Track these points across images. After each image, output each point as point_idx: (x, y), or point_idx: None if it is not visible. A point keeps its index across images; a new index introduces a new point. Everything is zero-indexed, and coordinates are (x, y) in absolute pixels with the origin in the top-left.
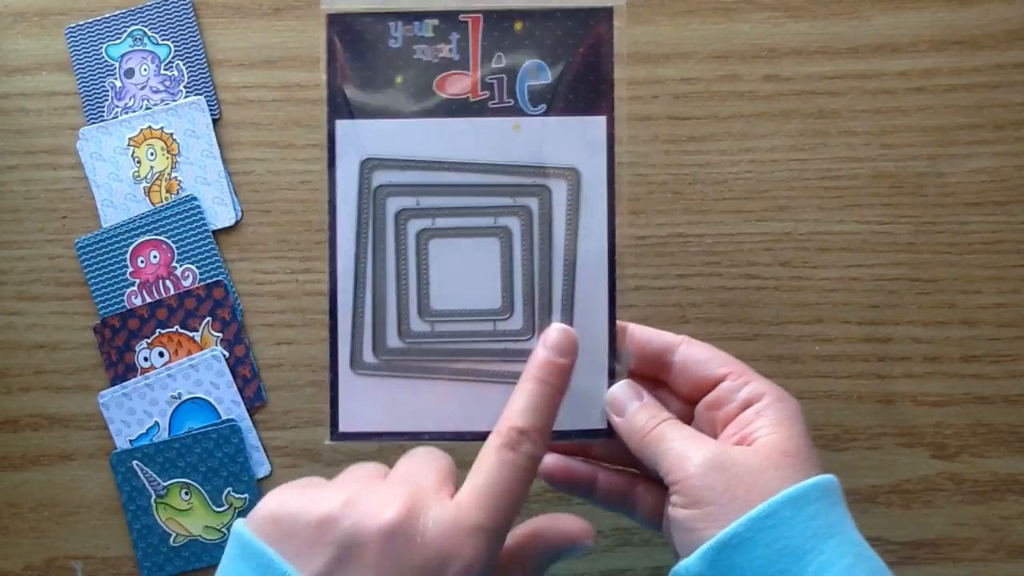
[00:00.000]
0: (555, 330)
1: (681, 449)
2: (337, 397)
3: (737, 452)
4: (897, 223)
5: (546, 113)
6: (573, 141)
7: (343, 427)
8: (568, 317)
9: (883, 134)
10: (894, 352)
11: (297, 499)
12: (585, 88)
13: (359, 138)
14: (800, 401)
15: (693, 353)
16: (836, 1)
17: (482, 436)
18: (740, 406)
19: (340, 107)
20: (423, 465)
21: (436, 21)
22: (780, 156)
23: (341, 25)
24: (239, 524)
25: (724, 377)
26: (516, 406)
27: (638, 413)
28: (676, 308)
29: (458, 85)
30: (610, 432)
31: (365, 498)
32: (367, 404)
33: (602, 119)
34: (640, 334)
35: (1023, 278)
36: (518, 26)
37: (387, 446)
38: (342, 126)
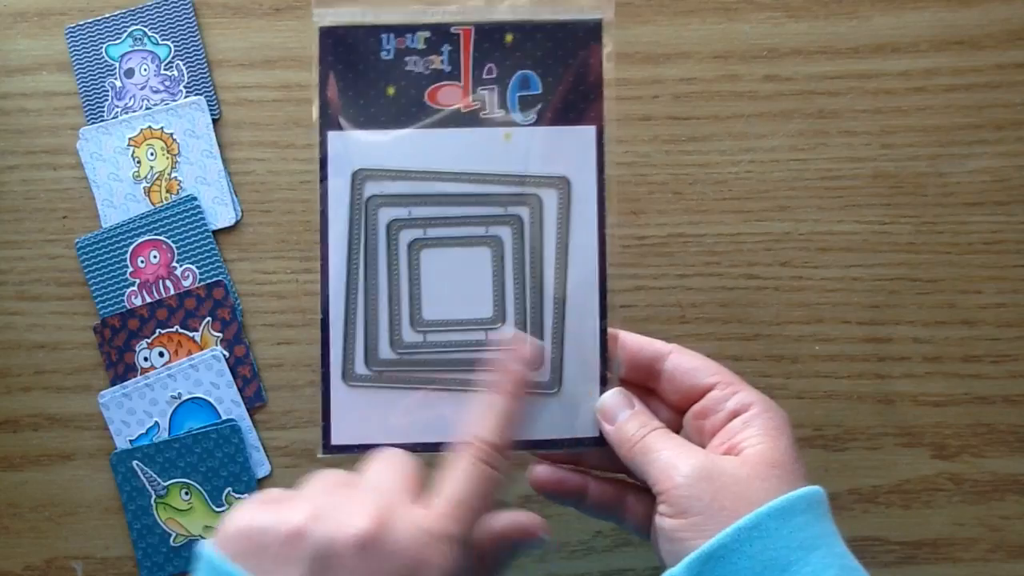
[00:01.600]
0: (524, 342)
1: (669, 459)
2: (329, 410)
3: (725, 462)
4: (897, 223)
5: (536, 123)
6: (563, 151)
7: (335, 440)
8: (560, 325)
9: (883, 134)
10: (894, 352)
11: (264, 515)
12: (575, 98)
13: (351, 149)
14: (800, 401)
15: (682, 362)
16: (836, 1)
17: None
18: (728, 416)
19: (331, 119)
20: (390, 472)
21: (428, 33)
22: (780, 156)
23: (333, 38)
24: (206, 545)
25: (712, 386)
26: (487, 418)
27: (628, 422)
28: (676, 308)
29: (450, 96)
30: (601, 441)
31: (334, 510)
32: (360, 416)
33: (591, 129)
34: (631, 342)
35: (1023, 278)
36: (508, 38)
37: None
38: (333, 138)
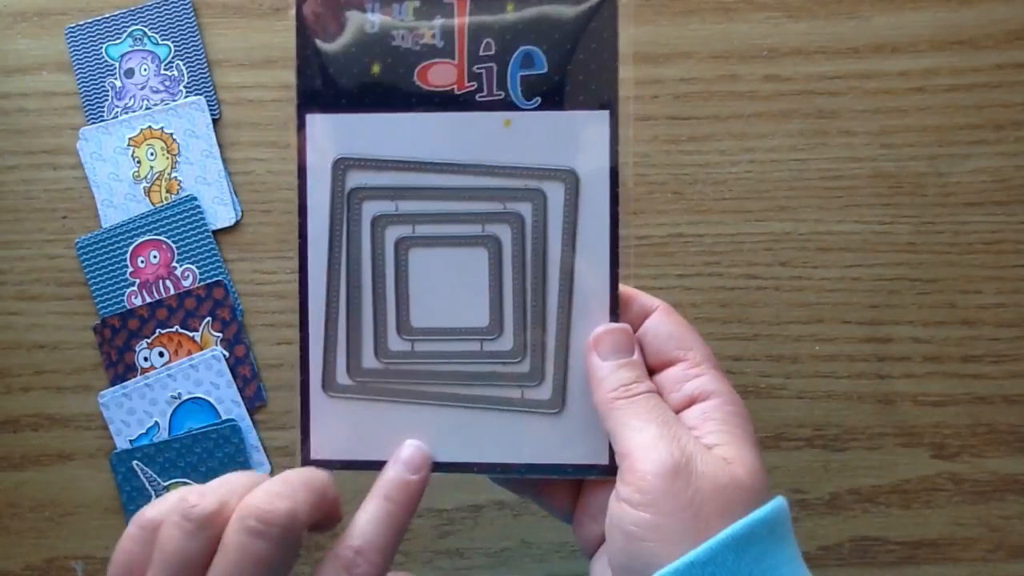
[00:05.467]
0: (407, 446)
1: (651, 438)
2: (308, 422)
3: (708, 462)
4: (897, 223)
5: (541, 107)
6: (571, 139)
7: (315, 455)
8: (564, 338)
9: (883, 134)
10: (894, 352)
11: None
12: (585, 79)
13: (332, 134)
14: (800, 401)
15: (659, 326)
16: (836, 1)
17: (467, 468)
18: (684, 401)
19: (311, 99)
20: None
21: (417, 3)
22: (780, 156)
23: (313, 10)
24: None
25: (676, 361)
26: (358, 523)
27: (623, 368)
28: (676, 308)
29: (442, 75)
30: (613, 469)
31: None
32: (341, 430)
33: (604, 114)
34: (622, 291)
35: (1023, 278)
36: (510, 8)
37: (363, 476)
38: (313, 120)
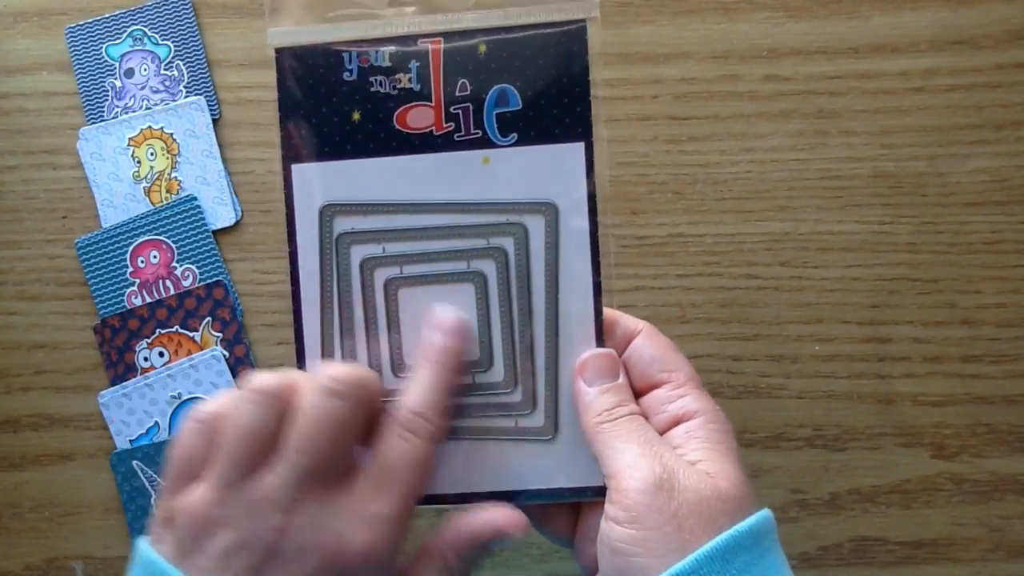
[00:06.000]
0: (446, 313)
1: (634, 458)
2: None
3: (691, 476)
4: (897, 223)
5: (517, 143)
6: (549, 172)
7: None
8: (552, 363)
9: (883, 134)
10: (894, 352)
11: (192, 496)
12: (559, 112)
13: (317, 183)
14: (800, 401)
15: (644, 349)
16: (836, 1)
17: (467, 499)
18: (670, 421)
19: (294, 149)
20: (315, 430)
21: (393, 48)
22: (780, 156)
23: (291, 60)
24: (142, 543)
25: (661, 384)
26: (413, 389)
27: (608, 393)
28: (676, 308)
29: (420, 118)
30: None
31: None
32: None
33: (580, 146)
34: (607, 314)
35: (1023, 278)
36: (482, 48)
37: None
38: (298, 171)
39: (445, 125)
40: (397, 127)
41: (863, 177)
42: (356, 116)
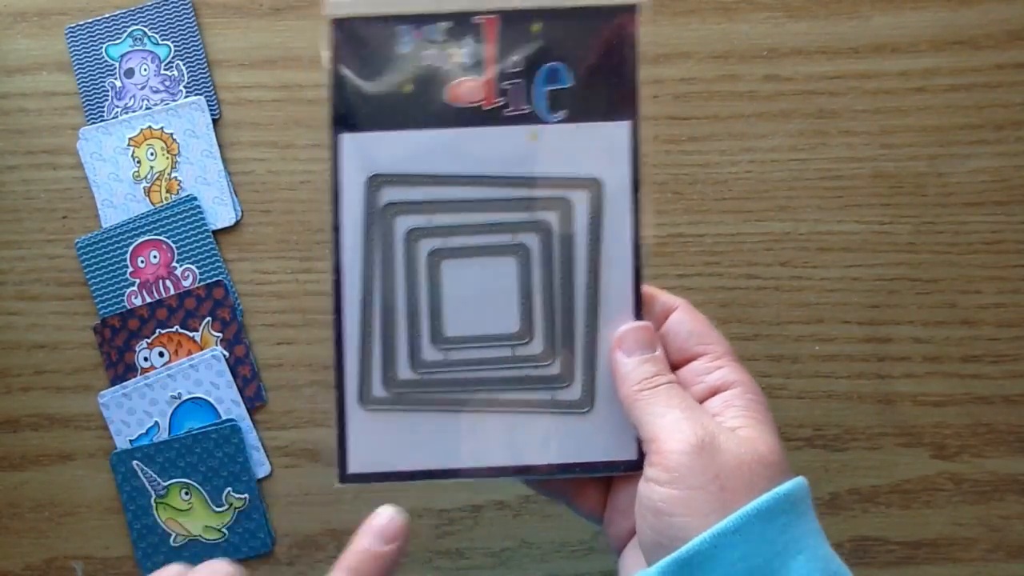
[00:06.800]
0: (381, 514)
1: (675, 420)
2: (345, 436)
3: (731, 440)
4: (897, 223)
5: (565, 120)
6: (595, 149)
7: (353, 468)
8: (592, 339)
9: (883, 134)
10: (894, 352)
11: None
12: (607, 92)
13: (365, 152)
14: (800, 401)
15: (682, 323)
16: (836, 1)
17: (502, 472)
18: (707, 391)
19: (344, 119)
20: None
21: (449, 24)
22: (780, 156)
23: (346, 30)
24: None
25: (699, 356)
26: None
27: (646, 363)
28: None
29: (471, 93)
30: (640, 463)
31: None
32: (378, 443)
33: (626, 125)
34: (644, 290)
35: (1023, 278)
36: (535, 27)
37: (399, 489)
38: (347, 140)
39: (495, 100)
40: (447, 101)
41: (863, 177)
42: (408, 88)
